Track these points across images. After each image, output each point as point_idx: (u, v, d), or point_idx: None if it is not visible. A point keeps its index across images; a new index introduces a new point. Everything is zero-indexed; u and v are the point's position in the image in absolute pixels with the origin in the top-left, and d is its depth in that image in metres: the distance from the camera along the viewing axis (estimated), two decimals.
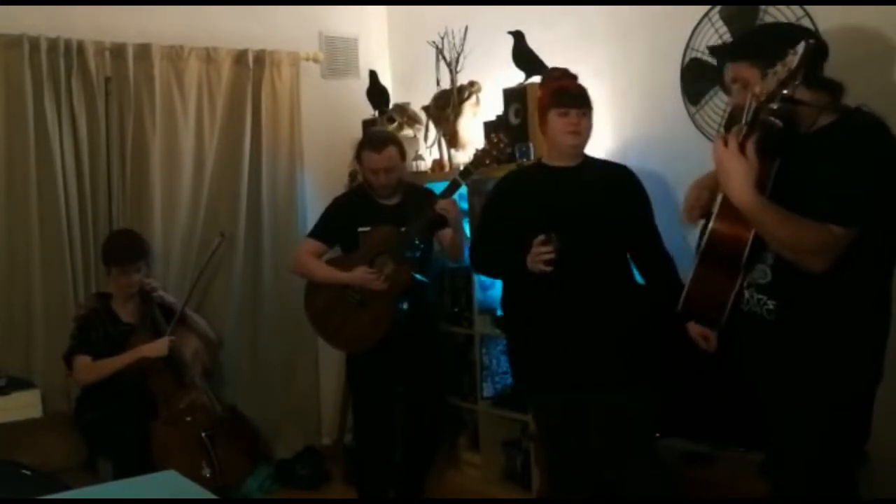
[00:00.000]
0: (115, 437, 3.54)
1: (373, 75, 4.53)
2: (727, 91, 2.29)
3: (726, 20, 3.15)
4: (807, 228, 1.98)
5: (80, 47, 3.95)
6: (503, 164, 3.67)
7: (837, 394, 2.06)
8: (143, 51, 4.12)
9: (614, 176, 2.98)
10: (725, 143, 2.00)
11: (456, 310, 4.11)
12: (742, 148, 1.99)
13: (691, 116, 3.33)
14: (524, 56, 3.69)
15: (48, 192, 3.90)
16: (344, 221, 3.63)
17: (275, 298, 4.48)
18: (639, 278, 3.04)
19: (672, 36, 3.33)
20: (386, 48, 4.98)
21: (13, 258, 3.89)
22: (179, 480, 2.17)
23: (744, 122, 2.03)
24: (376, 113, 4.47)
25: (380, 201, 3.63)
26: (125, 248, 3.79)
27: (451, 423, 4.20)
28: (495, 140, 3.37)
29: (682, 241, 2.97)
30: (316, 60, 4.69)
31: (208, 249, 4.10)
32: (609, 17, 3.65)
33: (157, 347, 3.67)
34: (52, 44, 3.89)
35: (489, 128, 3.90)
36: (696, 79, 3.27)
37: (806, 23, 2.91)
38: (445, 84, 4.17)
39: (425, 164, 4.33)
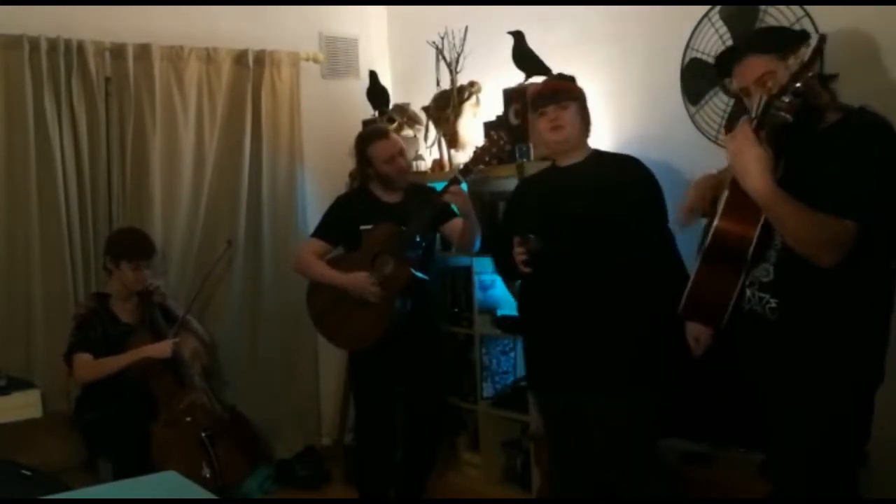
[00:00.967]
0: (115, 438, 3.54)
1: (373, 75, 4.53)
2: (735, 95, 2.28)
3: (726, 20, 3.15)
4: (823, 221, 1.97)
5: (80, 47, 3.95)
6: (503, 163, 3.68)
7: (839, 392, 2.06)
8: (143, 51, 4.12)
9: (620, 169, 2.91)
10: (741, 130, 2.01)
11: (456, 310, 4.11)
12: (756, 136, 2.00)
13: (691, 116, 3.33)
14: (524, 56, 3.69)
15: (48, 192, 3.90)
16: (346, 220, 3.63)
17: (275, 298, 4.48)
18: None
19: (672, 36, 3.33)
20: (386, 48, 4.98)
21: (13, 258, 3.89)
22: (179, 481, 2.18)
23: (753, 114, 2.03)
24: (376, 113, 4.47)
25: (382, 199, 3.63)
26: (140, 243, 3.78)
27: (451, 424, 4.20)
28: (495, 137, 3.36)
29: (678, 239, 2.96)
30: (316, 60, 4.69)
31: (211, 253, 4.10)
32: (608, 18, 3.65)
33: (160, 349, 3.66)
34: (52, 44, 3.89)
35: (489, 128, 3.91)
36: (696, 79, 3.27)
37: (806, 23, 2.91)
38: (445, 84, 4.17)
39: (425, 165, 4.33)
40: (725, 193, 2.11)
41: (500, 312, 3.94)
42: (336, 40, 4.80)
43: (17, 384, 3.74)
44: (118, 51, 4.07)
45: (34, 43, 3.85)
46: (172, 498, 2.06)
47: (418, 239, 3.45)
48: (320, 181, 4.66)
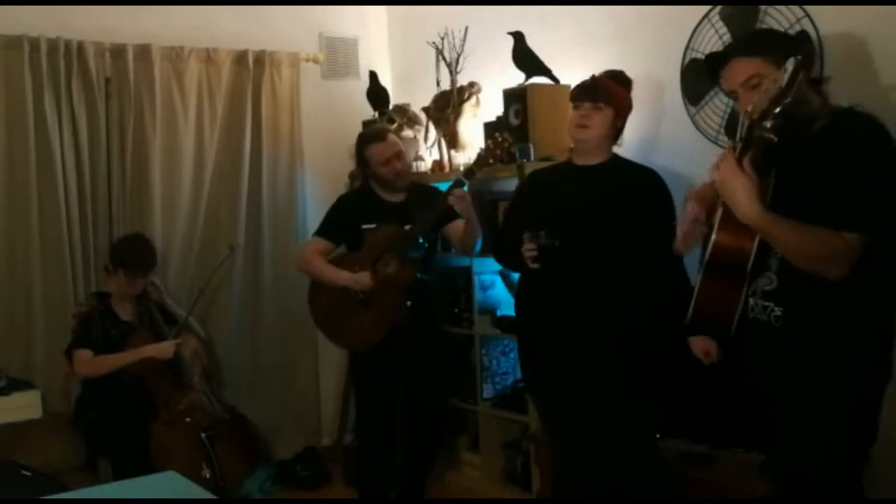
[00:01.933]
0: (115, 438, 3.54)
1: (373, 76, 4.53)
2: (729, 94, 2.27)
3: (726, 20, 3.15)
4: (819, 237, 1.96)
5: (81, 48, 3.95)
6: (504, 163, 3.68)
7: (846, 397, 2.04)
8: (143, 51, 4.13)
9: (637, 180, 2.90)
10: (724, 159, 2.01)
11: (456, 310, 4.11)
12: (739, 164, 1.98)
13: (691, 117, 3.32)
14: (524, 57, 3.69)
15: (48, 192, 3.90)
16: (349, 219, 3.63)
17: (275, 299, 4.48)
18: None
19: (672, 36, 3.33)
20: (386, 49, 4.98)
21: (13, 259, 3.89)
22: (179, 481, 2.18)
23: (738, 138, 2.02)
24: (376, 114, 4.47)
25: (385, 199, 3.63)
26: (139, 256, 3.77)
27: (451, 424, 4.20)
28: (499, 139, 3.36)
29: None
30: (316, 61, 4.69)
31: (211, 253, 4.09)
32: (609, 18, 3.65)
33: (162, 350, 3.67)
34: (53, 44, 3.89)
35: (489, 129, 3.91)
36: (696, 79, 3.26)
37: (806, 23, 2.91)
38: (445, 85, 4.17)
39: (425, 165, 4.33)
40: (721, 206, 2.10)
41: (499, 313, 3.94)
42: (336, 41, 4.80)
43: (16, 385, 3.75)
44: (118, 51, 4.07)
45: (34, 43, 3.85)
46: (172, 498, 2.06)
47: (421, 240, 3.46)
48: (320, 182, 4.66)
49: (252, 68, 4.41)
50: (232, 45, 4.38)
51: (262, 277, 4.49)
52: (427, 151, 4.38)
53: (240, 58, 4.39)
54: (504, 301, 3.96)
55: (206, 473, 3.60)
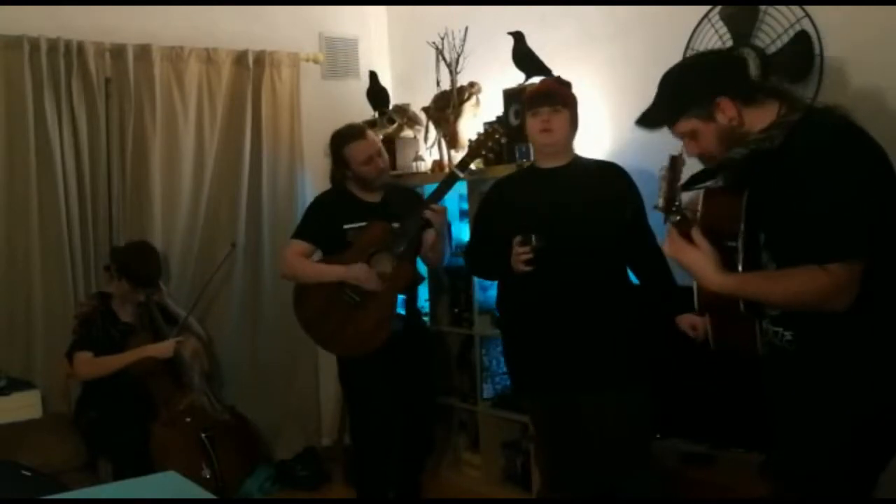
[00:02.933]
0: (115, 438, 3.54)
1: (373, 76, 4.53)
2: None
3: (726, 20, 3.15)
4: (797, 279, 1.85)
5: (81, 48, 3.95)
6: (503, 163, 3.69)
7: (865, 415, 1.91)
8: (144, 51, 4.12)
9: (602, 175, 2.99)
10: (669, 238, 1.97)
11: (456, 310, 4.11)
12: (689, 236, 1.95)
13: None
14: (524, 57, 3.69)
15: (48, 192, 3.89)
16: (328, 220, 3.54)
17: (275, 299, 4.47)
18: (634, 278, 3.05)
19: (672, 36, 3.33)
20: (386, 49, 4.98)
21: (13, 259, 3.89)
22: (179, 481, 2.18)
23: (670, 220, 1.97)
24: (376, 114, 4.47)
25: (363, 199, 3.58)
26: (145, 271, 3.74)
27: (444, 423, 4.20)
28: (490, 130, 3.36)
29: None
30: (316, 61, 4.69)
31: (211, 253, 4.09)
32: (609, 18, 3.65)
33: (162, 349, 3.67)
34: (53, 44, 3.89)
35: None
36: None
37: (806, 23, 2.91)
38: (445, 85, 4.17)
39: (425, 165, 4.33)
40: None
41: (498, 313, 3.94)
42: (336, 41, 4.80)
43: (17, 385, 3.75)
44: (118, 51, 4.07)
45: (34, 43, 3.85)
46: (172, 498, 2.06)
47: (410, 235, 3.42)
48: (320, 182, 4.64)
49: (252, 68, 4.40)
50: (232, 45, 4.38)
51: (262, 277, 4.49)
52: (427, 151, 4.38)
53: (240, 58, 4.39)
54: None
55: (206, 473, 3.60)
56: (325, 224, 3.55)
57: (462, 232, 4.06)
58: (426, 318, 4.14)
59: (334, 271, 3.44)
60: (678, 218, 1.94)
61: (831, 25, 2.86)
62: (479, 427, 4.06)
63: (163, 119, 4.19)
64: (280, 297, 4.44)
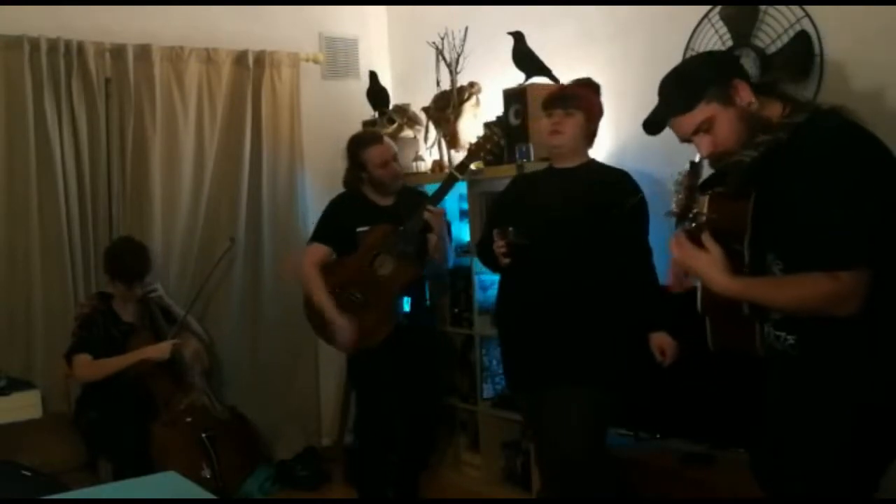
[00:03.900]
0: (115, 438, 3.54)
1: (373, 76, 4.53)
2: (683, 141, 2.08)
3: (726, 20, 3.15)
4: (806, 286, 1.83)
5: (81, 48, 3.95)
6: (503, 163, 3.69)
7: (867, 420, 1.89)
8: (144, 51, 4.13)
9: (605, 181, 2.99)
10: (678, 243, 1.95)
11: (456, 310, 4.11)
12: (698, 240, 1.93)
13: None
14: (524, 57, 3.69)
15: (48, 192, 3.90)
16: (343, 223, 3.62)
17: (275, 299, 4.47)
18: None
19: (672, 36, 3.33)
20: (386, 49, 4.98)
21: (13, 259, 3.89)
22: (179, 481, 2.18)
23: (684, 227, 1.96)
24: (376, 114, 4.47)
25: (377, 202, 3.63)
26: (132, 266, 3.74)
27: (449, 424, 4.20)
28: (489, 133, 3.41)
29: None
30: (316, 61, 4.69)
31: (211, 253, 4.09)
32: (609, 17, 3.65)
33: (160, 350, 3.67)
34: (53, 44, 3.89)
35: (489, 129, 3.90)
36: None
37: (806, 23, 2.91)
38: (445, 85, 4.17)
39: (425, 165, 4.33)
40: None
41: None
42: (336, 41, 4.80)
43: (17, 385, 3.75)
44: (118, 51, 4.07)
45: (34, 43, 3.85)
46: (172, 498, 2.06)
47: (411, 234, 3.47)
48: (320, 182, 4.65)
49: (252, 68, 4.41)
50: (232, 46, 4.38)
51: (262, 277, 4.49)
52: (427, 151, 4.38)
53: (240, 58, 4.39)
54: None
55: (207, 473, 3.60)
56: (339, 227, 3.63)
57: (462, 232, 4.06)
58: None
59: (328, 314, 3.51)
60: (693, 225, 1.91)
61: (831, 25, 2.86)
62: (479, 427, 4.06)
63: (163, 119, 4.19)
64: (280, 297, 4.45)
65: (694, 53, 3.25)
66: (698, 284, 2.08)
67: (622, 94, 3.57)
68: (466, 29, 4.11)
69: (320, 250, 3.65)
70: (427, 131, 4.35)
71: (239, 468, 3.82)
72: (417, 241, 3.51)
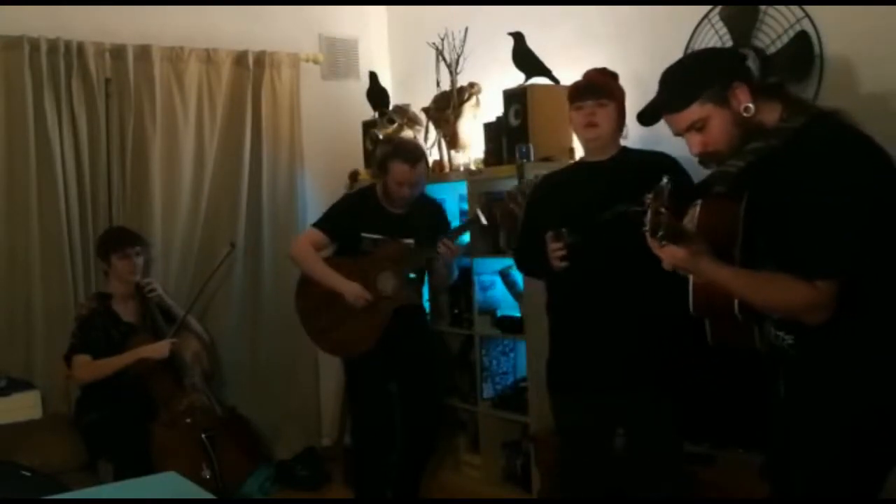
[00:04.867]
0: (116, 439, 3.54)
1: (373, 76, 4.53)
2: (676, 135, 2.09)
3: (726, 20, 3.15)
4: (787, 288, 1.84)
5: (81, 48, 3.96)
6: (504, 163, 3.70)
7: (866, 421, 1.89)
8: (143, 52, 4.13)
9: (648, 167, 2.78)
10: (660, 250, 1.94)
11: (456, 311, 4.11)
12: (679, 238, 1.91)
13: None
14: (524, 57, 3.69)
15: (48, 193, 3.90)
16: (350, 220, 3.62)
17: (275, 299, 4.47)
18: None
19: (672, 36, 3.33)
20: (386, 49, 4.98)
21: (13, 259, 3.89)
22: (179, 482, 2.18)
23: (657, 242, 1.92)
24: (376, 114, 4.47)
25: (388, 209, 3.63)
26: (121, 234, 3.86)
27: (448, 424, 4.20)
28: (511, 205, 3.33)
29: None
30: (316, 62, 4.69)
31: (211, 253, 4.10)
32: (609, 18, 3.65)
33: (158, 349, 3.67)
34: (53, 45, 3.89)
35: (489, 129, 3.91)
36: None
37: (806, 24, 2.91)
38: (445, 85, 4.17)
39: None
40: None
41: (499, 313, 3.94)
42: (336, 41, 4.81)
43: (17, 385, 3.75)
44: (118, 52, 4.07)
45: (34, 44, 3.85)
46: (172, 498, 2.06)
47: (419, 264, 3.54)
48: (320, 182, 4.66)
49: (252, 69, 4.41)
50: (232, 46, 4.39)
51: (262, 278, 4.49)
52: (427, 152, 4.37)
53: (240, 58, 4.40)
54: (504, 301, 3.95)
55: (207, 474, 3.60)
56: (347, 224, 3.63)
57: (464, 236, 4.06)
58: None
59: (335, 282, 3.53)
60: (663, 244, 1.90)
61: (831, 26, 2.86)
62: (479, 427, 4.06)
63: (163, 119, 4.19)
64: (280, 298, 4.45)
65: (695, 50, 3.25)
66: (689, 286, 2.07)
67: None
68: (466, 29, 4.11)
69: (318, 236, 3.65)
70: (427, 132, 4.35)
71: (239, 468, 3.82)
72: (425, 267, 3.58)
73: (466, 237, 3.87)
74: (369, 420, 3.68)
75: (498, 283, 3.94)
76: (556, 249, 2.75)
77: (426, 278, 3.81)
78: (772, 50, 3.00)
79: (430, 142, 4.33)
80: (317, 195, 4.58)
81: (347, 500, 4.02)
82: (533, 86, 3.66)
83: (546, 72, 3.66)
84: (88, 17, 4.04)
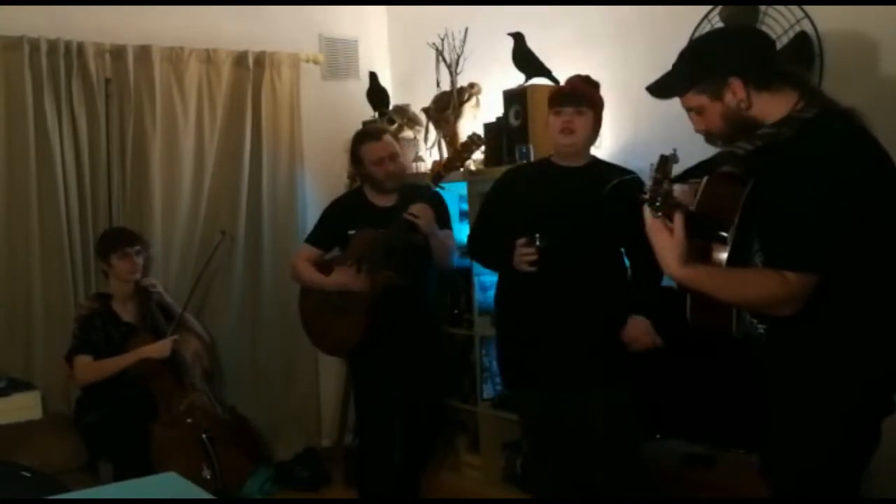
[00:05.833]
0: (116, 439, 3.54)
1: (373, 77, 4.53)
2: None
3: (726, 20, 3.15)
4: (751, 284, 1.91)
5: (81, 49, 3.95)
6: (504, 163, 3.70)
7: (830, 414, 1.94)
8: (144, 52, 4.13)
9: (617, 184, 2.88)
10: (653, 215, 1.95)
11: (456, 311, 4.11)
12: (670, 218, 1.93)
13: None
14: (524, 57, 3.69)
15: (48, 193, 3.89)
16: (337, 224, 3.63)
17: (275, 299, 4.47)
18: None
19: (672, 36, 3.31)
20: (386, 50, 4.98)
21: (13, 259, 3.89)
22: (179, 482, 2.17)
23: (653, 211, 1.94)
24: (376, 114, 4.48)
25: (375, 203, 3.60)
26: (120, 233, 3.86)
27: (450, 424, 4.20)
28: (468, 142, 3.41)
29: None
30: (316, 62, 4.69)
31: (208, 249, 4.10)
32: (609, 18, 3.66)
33: (159, 349, 3.67)
34: (53, 45, 3.89)
35: (489, 130, 3.91)
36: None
37: (805, 24, 2.92)
38: (445, 86, 4.17)
39: (425, 166, 4.33)
40: None
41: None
42: (336, 42, 4.81)
43: (17, 385, 3.75)
44: (118, 52, 4.07)
45: (34, 44, 3.85)
46: (172, 499, 2.05)
47: (396, 245, 3.41)
48: (320, 182, 4.66)
49: (252, 69, 4.41)
50: (232, 46, 4.38)
51: (261, 278, 4.49)
52: (427, 152, 4.38)
53: (240, 59, 4.40)
54: None
55: (207, 474, 3.59)
56: (333, 229, 3.64)
57: (462, 233, 4.06)
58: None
59: (320, 281, 3.56)
60: (659, 214, 1.92)
61: (831, 26, 2.86)
62: (479, 427, 4.06)
63: (163, 120, 4.19)
64: (280, 298, 4.45)
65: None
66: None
67: (622, 95, 3.56)
68: (466, 30, 4.11)
69: (308, 251, 3.67)
70: (427, 132, 4.36)
71: (239, 469, 3.82)
72: (405, 246, 3.44)
73: (465, 235, 3.86)
74: (373, 420, 3.67)
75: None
76: (526, 254, 2.83)
77: (420, 266, 3.68)
78: None
79: (430, 142, 4.34)
80: (317, 195, 4.58)
81: (347, 500, 4.01)
82: (533, 86, 3.66)
83: (546, 72, 3.66)
84: (88, 17, 4.03)
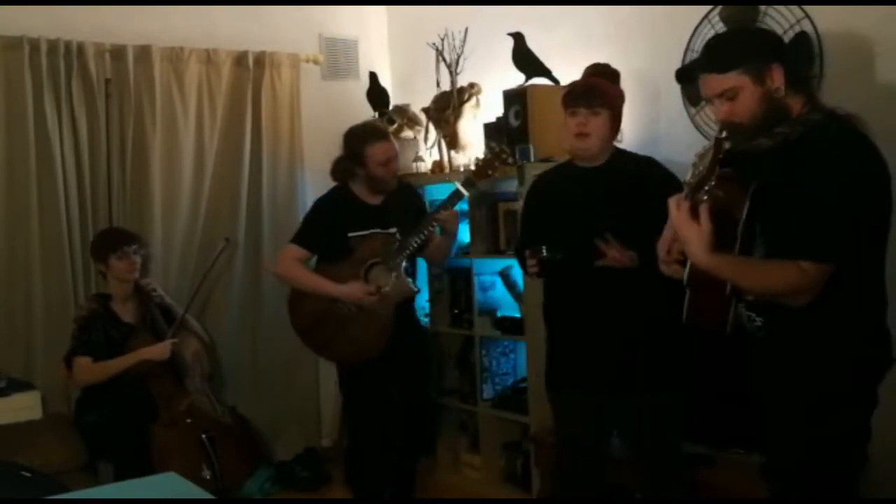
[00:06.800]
0: (115, 440, 3.53)
1: (373, 77, 4.53)
2: (704, 99, 2.20)
3: (726, 20, 3.15)
4: (772, 273, 1.98)
5: (81, 49, 3.95)
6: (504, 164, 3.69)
7: (828, 412, 2.01)
8: (143, 52, 4.13)
9: (638, 174, 2.83)
10: (678, 207, 2.01)
11: (456, 311, 4.11)
12: (695, 210, 1.97)
13: (691, 118, 3.33)
14: (524, 58, 3.70)
15: (48, 193, 3.89)
16: (332, 228, 3.53)
17: (275, 299, 4.46)
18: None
19: (672, 36, 3.33)
20: (386, 50, 4.98)
21: (13, 259, 3.89)
22: (179, 482, 2.17)
23: (694, 198, 1.98)
24: (376, 114, 4.48)
25: (365, 201, 3.57)
26: (116, 234, 3.84)
27: (446, 424, 4.20)
28: (497, 150, 3.39)
29: None
30: (316, 62, 4.69)
31: (211, 254, 4.10)
32: (609, 18, 3.65)
33: (159, 350, 3.66)
34: (53, 45, 3.89)
35: (489, 130, 3.91)
36: (697, 80, 3.26)
37: (806, 24, 2.92)
38: (445, 86, 4.17)
39: (425, 166, 4.33)
40: None
41: (499, 314, 3.94)
42: (336, 41, 4.81)
43: (17, 385, 3.75)
44: (118, 52, 4.07)
45: (34, 44, 3.85)
46: (172, 499, 2.05)
47: (410, 249, 3.43)
48: (321, 183, 4.62)
49: (252, 69, 4.41)
50: (232, 46, 4.38)
51: (262, 278, 4.49)
52: (427, 152, 4.38)
53: (240, 59, 4.40)
54: (504, 302, 3.96)
55: (207, 474, 3.60)
56: (328, 232, 3.54)
57: (462, 232, 4.06)
58: (426, 320, 4.16)
59: (329, 288, 3.48)
60: (705, 198, 1.97)
61: (831, 26, 2.86)
62: (478, 428, 4.06)
63: (163, 120, 4.19)
64: (280, 298, 4.42)
65: (694, 54, 3.24)
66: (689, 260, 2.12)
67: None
68: (466, 30, 4.11)
69: (298, 252, 3.57)
70: (427, 132, 4.36)
71: (239, 469, 3.82)
72: (416, 254, 3.49)
73: (466, 238, 3.88)
74: (369, 421, 3.65)
75: (498, 283, 3.94)
76: (531, 265, 2.80)
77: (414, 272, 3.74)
78: None
79: (430, 142, 4.34)
80: (317, 195, 4.53)
81: (347, 500, 4.01)
82: (533, 86, 3.66)
83: (546, 72, 3.66)
84: (88, 17, 4.03)
